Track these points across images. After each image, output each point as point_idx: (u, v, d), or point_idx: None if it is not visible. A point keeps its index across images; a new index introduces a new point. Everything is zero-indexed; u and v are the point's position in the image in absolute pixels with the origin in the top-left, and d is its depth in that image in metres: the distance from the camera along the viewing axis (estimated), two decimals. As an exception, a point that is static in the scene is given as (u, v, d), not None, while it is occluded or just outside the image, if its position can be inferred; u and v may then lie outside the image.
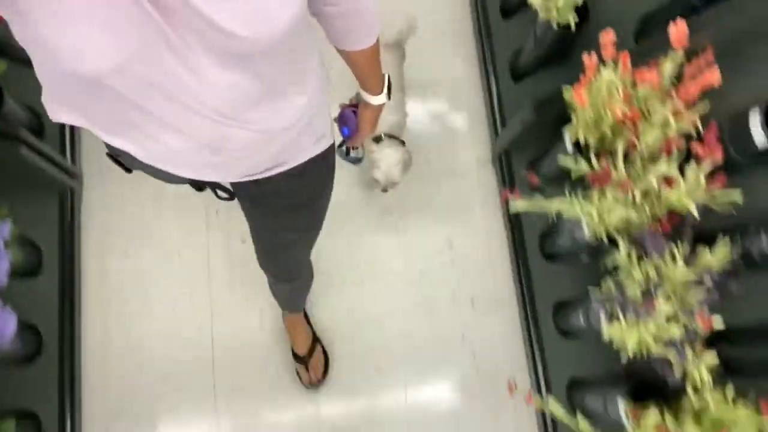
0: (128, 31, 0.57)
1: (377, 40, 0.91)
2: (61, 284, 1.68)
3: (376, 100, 1.04)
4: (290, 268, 1.37)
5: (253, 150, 0.81)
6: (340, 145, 1.22)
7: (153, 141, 0.75)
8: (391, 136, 1.75)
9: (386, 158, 1.71)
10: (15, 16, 0.55)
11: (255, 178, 0.91)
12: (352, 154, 1.26)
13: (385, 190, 1.78)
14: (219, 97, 0.68)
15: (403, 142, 1.77)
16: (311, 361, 1.71)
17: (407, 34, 1.81)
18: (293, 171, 0.93)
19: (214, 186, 1.00)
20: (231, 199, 1.04)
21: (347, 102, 1.13)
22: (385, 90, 1.05)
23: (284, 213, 1.07)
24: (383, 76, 1.02)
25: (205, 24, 0.58)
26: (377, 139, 1.73)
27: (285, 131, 0.82)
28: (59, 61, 0.58)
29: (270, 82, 0.72)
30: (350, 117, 1.11)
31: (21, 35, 0.59)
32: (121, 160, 0.92)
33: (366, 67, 0.97)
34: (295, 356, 1.72)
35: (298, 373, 1.74)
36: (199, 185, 0.98)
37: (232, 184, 1.01)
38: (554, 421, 1.64)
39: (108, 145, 0.91)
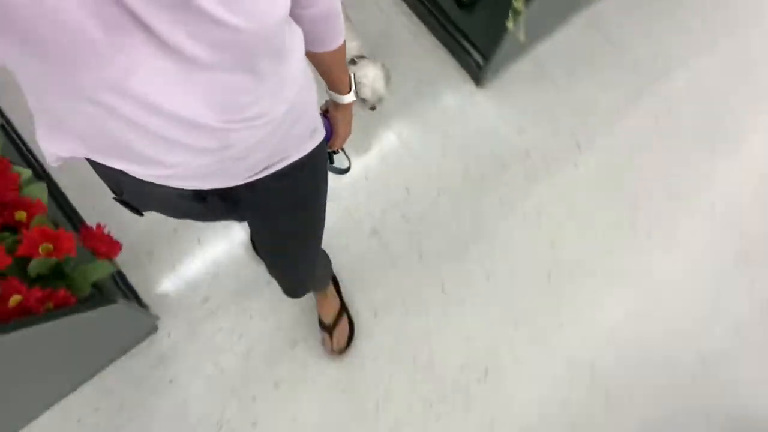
0: (123, 41, 0.57)
1: (344, 39, 0.94)
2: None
3: (346, 99, 1.06)
4: (301, 278, 1.39)
5: (253, 148, 0.82)
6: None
7: (154, 160, 0.75)
8: (361, 57, 1.82)
9: (369, 74, 1.77)
10: (11, 34, 0.55)
11: (255, 178, 0.91)
12: (336, 163, 1.23)
13: (373, 108, 1.82)
14: (219, 97, 0.69)
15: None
16: (336, 330, 1.78)
17: None
18: (288, 168, 0.94)
19: (217, 194, 0.99)
20: (235, 209, 1.04)
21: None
22: (353, 88, 1.06)
23: (282, 216, 1.07)
24: (349, 74, 1.04)
25: (208, 23, 0.59)
26: (352, 62, 1.81)
27: (280, 123, 0.83)
28: (58, 72, 0.58)
29: (264, 76, 0.73)
30: (324, 122, 1.10)
31: (15, 58, 0.58)
32: (129, 200, 0.92)
33: (335, 66, 0.99)
34: (321, 324, 1.79)
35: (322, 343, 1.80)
36: (203, 196, 0.96)
37: (230, 194, 0.98)
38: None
39: (114, 190, 0.91)
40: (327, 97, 1.09)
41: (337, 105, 1.08)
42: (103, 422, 1.68)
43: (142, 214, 0.99)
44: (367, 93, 1.79)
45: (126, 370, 1.73)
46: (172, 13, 0.57)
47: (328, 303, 1.77)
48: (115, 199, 0.94)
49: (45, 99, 0.67)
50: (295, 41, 0.80)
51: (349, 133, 1.15)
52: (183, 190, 0.88)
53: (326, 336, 1.79)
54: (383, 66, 1.83)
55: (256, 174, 0.91)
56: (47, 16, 0.53)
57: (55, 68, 0.58)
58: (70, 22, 0.54)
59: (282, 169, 0.93)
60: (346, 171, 1.28)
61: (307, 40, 0.87)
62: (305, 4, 0.81)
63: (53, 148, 0.77)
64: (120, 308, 1.40)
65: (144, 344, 1.76)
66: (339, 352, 1.79)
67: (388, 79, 1.84)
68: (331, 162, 1.21)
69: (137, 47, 0.59)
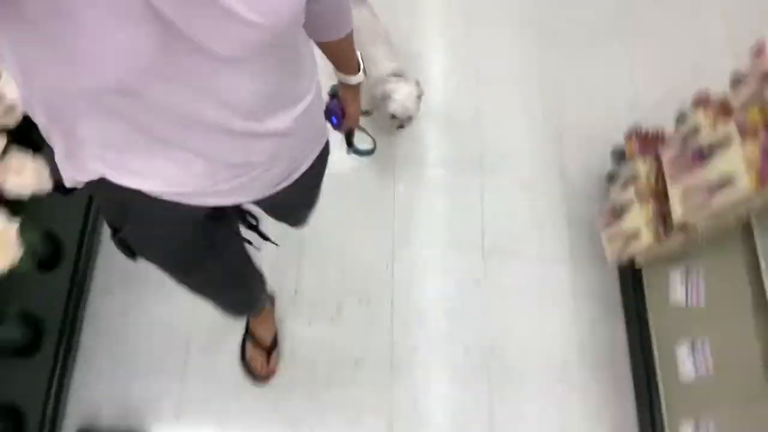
0: (144, 38, 0.56)
1: (352, 27, 0.95)
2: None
3: (355, 79, 1.08)
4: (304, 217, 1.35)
5: (274, 157, 0.82)
6: (348, 144, 1.22)
7: (176, 169, 0.74)
8: (398, 76, 1.76)
9: (400, 89, 1.71)
10: (29, 37, 0.53)
11: (277, 189, 0.91)
12: (358, 145, 1.22)
13: (401, 126, 1.74)
14: (237, 98, 0.69)
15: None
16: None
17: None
18: (307, 172, 0.95)
19: (239, 212, 0.99)
20: (256, 228, 1.06)
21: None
22: (362, 67, 1.07)
23: (296, 210, 1.18)
24: (356, 55, 1.05)
25: (224, 18, 0.58)
26: (386, 80, 1.74)
27: (297, 130, 0.82)
28: (79, 77, 0.57)
29: (280, 77, 0.74)
30: (332, 105, 1.13)
31: (31, 69, 0.58)
32: (129, 235, 0.88)
33: (346, 51, 1.01)
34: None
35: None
36: (219, 215, 0.94)
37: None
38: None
39: (115, 224, 0.87)
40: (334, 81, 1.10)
41: (345, 86, 1.10)
42: None
43: (135, 259, 0.94)
44: (396, 109, 1.72)
45: None
46: (194, 9, 0.56)
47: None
48: (112, 237, 0.90)
49: (55, 104, 0.64)
50: (308, 51, 0.82)
51: (359, 111, 1.17)
52: (199, 209, 0.84)
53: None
54: (417, 85, 1.77)
55: (279, 185, 0.90)
56: (61, 16, 0.51)
57: (66, 67, 0.55)
58: (83, 18, 0.52)
59: (301, 174, 0.94)
60: (371, 152, 1.26)
61: (318, 32, 0.89)
62: None
63: (73, 173, 0.77)
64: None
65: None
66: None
67: (420, 98, 1.77)
68: (350, 144, 1.22)
69: (156, 47, 0.57)
